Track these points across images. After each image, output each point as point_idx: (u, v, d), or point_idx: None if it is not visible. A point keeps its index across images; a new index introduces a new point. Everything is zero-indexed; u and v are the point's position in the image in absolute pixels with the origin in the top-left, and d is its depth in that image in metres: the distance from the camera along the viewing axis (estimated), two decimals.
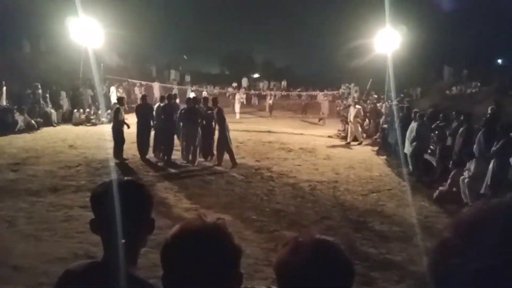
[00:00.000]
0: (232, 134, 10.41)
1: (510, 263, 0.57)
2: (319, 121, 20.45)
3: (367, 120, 15.33)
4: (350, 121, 14.12)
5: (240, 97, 23.31)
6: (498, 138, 6.96)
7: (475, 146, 7.41)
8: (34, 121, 14.29)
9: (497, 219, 0.63)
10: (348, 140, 13.94)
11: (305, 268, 1.03)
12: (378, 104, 16.82)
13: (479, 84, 20.34)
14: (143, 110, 10.28)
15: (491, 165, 6.72)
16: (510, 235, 0.60)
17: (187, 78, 30.45)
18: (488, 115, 8.81)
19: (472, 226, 0.65)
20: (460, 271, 0.61)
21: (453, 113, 10.00)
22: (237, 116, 21.52)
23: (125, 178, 1.47)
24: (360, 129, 14.22)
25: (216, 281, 1.07)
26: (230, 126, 10.66)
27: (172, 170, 9.26)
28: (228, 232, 1.12)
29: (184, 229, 1.12)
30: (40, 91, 15.79)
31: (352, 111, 14.13)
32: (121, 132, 9.81)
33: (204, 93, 22.13)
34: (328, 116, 20.46)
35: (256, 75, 36.84)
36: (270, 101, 23.73)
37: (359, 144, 13.68)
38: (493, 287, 0.58)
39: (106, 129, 10.49)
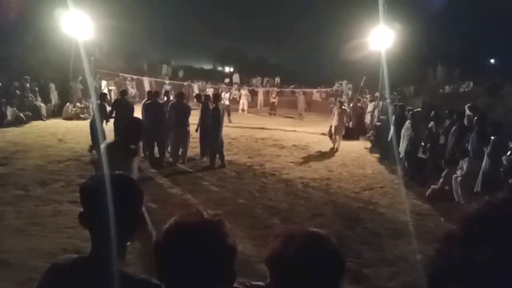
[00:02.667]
0: (224, 130, 10.26)
1: (509, 258, 0.59)
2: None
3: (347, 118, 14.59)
4: (334, 124, 12.33)
5: (246, 92, 22.79)
6: (489, 137, 6.98)
7: (468, 146, 7.43)
8: (23, 114, 14.09)
9: (502, 215, 0.64)
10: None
11: (297, 259, 1.03)
12: (360, 104, 16.76)
13: (471, 83, 20.54)
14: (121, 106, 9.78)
15: (483, 164, 6.75)
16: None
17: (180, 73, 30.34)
18: (478, 115, 8.81)
19: (478, 221, 0.66)
20: (462, 262, 0.62)
21: (446, 111, 10.04)
22: (245, 112, 21.36)
23: (116, 172, 1.42)
24: (342, 132, 12.62)
25: (210, 278, 1.05)
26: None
27: (163, 167, 9.13)
28: (226, 230, 1.10)
29: (181, 223, 1.08)
30: (28, 84, 15.57)
31: (334, 112, 12.62)
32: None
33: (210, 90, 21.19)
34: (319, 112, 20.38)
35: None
36: (275, 99, 21.45)
37: (332, 149, 12.17)
38: (491, 280, 0.60)
39: None
